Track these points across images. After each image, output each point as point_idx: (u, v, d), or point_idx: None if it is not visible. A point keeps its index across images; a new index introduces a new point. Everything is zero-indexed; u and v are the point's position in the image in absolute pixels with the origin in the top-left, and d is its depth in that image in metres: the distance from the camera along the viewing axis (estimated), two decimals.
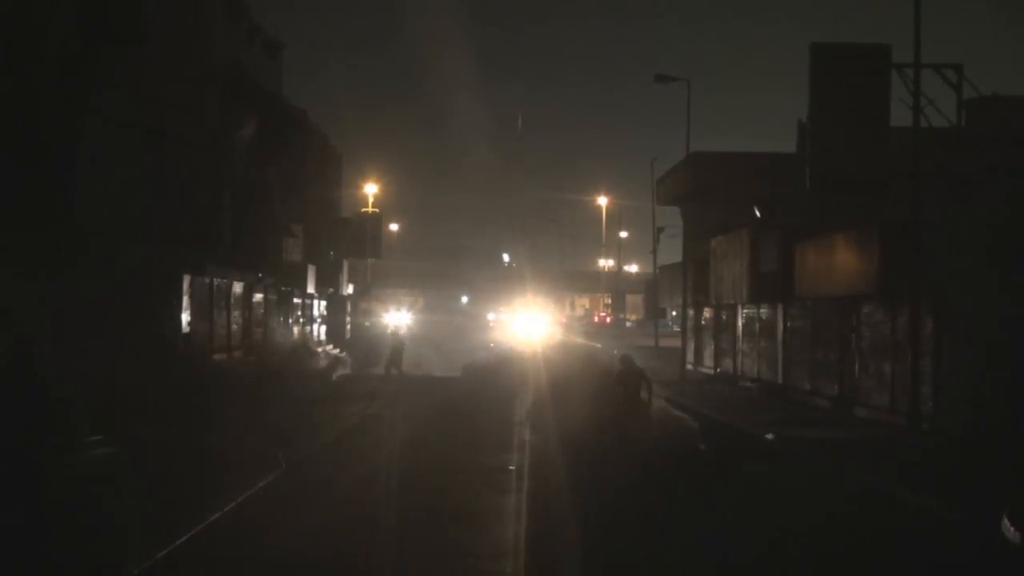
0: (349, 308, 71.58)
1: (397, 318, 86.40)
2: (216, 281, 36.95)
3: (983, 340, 25.02)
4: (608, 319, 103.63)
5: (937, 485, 18.83)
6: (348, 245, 70.25)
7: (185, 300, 33.48)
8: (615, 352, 58.08)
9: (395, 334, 50.28)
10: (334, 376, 40.65)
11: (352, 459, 20.59)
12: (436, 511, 15.74)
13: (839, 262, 30.92)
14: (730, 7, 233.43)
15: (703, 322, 50.04)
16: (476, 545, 13.97)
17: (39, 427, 20.91)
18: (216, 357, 36.75)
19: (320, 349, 51.46)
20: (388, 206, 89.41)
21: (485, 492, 17.49)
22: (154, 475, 18.25)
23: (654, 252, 65.75)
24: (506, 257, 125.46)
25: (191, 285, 33.89)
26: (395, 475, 18.39)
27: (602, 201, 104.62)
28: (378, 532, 14.45)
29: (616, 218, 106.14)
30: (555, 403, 26.19)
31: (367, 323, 68.76)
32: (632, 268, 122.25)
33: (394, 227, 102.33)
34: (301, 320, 56.05)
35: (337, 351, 52.92)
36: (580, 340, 59.45)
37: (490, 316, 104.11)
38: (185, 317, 33.52)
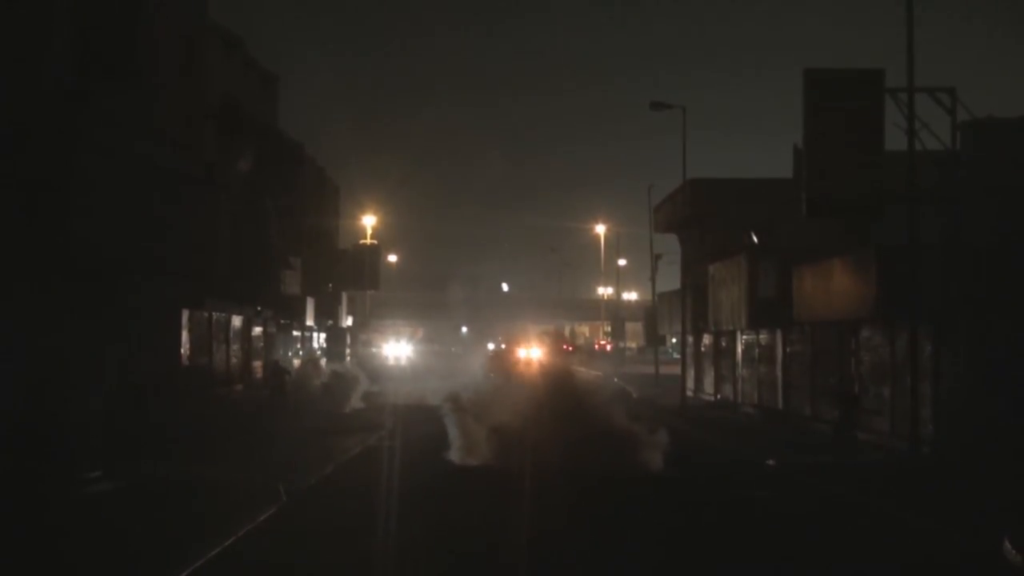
0: (349, 340, 71.53)
1: (397, 349, 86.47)
2: (215, 315, 36.98)
3: (982, 363, 25.02)
4: (608, 347, 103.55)
5: (938, 508, 18.80)
6: (347, 277, 70.32)
7: (184, 334, 33.50)
8: (615, 380, 58.20)
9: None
10: (347, 408, 40.39)
11: (352, 492, 20.52)
12: (434, 549, 15.70)
13: (837, 286, 30.93)
14: (726, 34, 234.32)
15: (703, 349, 50.04)
16: None
17: (43, 462, 20.92)
18: (216, 390, 36.74)
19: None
20: (386, 237, 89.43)
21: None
22: (154, 509, 18.20)
23: (652, 279, 65.71)
24: (505, 286, 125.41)
25: (190, 319, 33.91)
26: (395, 509, 18.35)
27: (600, 229, 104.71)
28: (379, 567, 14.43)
29: (614, 246, 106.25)
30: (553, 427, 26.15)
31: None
32: (631, 295, 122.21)
33: (393, 258, 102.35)
34: (301, 353, 56.08)
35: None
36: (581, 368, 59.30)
37: (490, 346, 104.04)
38: (184, 351, 33.52)
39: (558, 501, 19.00)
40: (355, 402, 42.04)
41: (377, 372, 56.96)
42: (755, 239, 41.30)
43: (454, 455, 24.83)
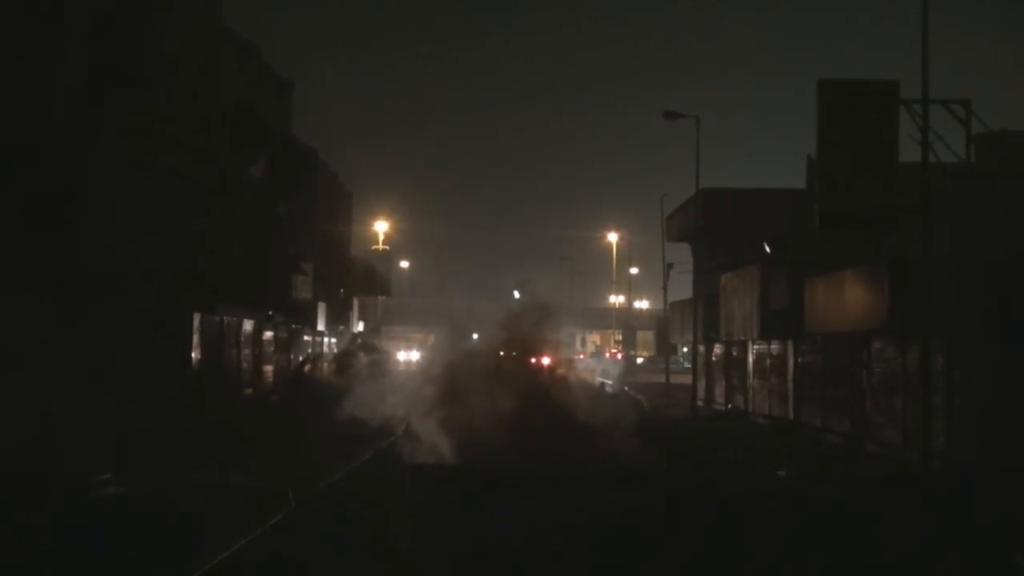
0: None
1: (408, 356, 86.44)
2: (226, 319, 37.03)
3: (994, 376, 24.94)
4: (619, 355, 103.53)
5: (949, 520, 18.73)
6: (358, 283, 70.35)
7: (195, 339, 33.56)
8: (625, 388, 58.09)
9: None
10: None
11: (360, 498, 20.51)
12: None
13: (849, 298, 30.87)
14: (740, 46, 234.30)
15: (714, 358, 49.92)
16: None
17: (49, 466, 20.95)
18: (227, 394, 36.78)
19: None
20: (399, 244, 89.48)
21: None
22: (160, 514, 18.19)
23: (664, 288, 65.70)
24: (516, 294, 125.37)
25: (201, 324, 33.97)
26: (403, 518, 18.35)
27: (612, 237, 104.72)
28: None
29: (626, 255, 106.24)
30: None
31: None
32: (643, 304, 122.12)
33: (405, 264, 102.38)
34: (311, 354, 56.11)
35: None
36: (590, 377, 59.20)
37: (500, 353, 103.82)
38: (196, 355, 33.57)
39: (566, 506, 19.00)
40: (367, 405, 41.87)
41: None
42: (768, 249, 41.24)
43: (461, 460, 24.89)
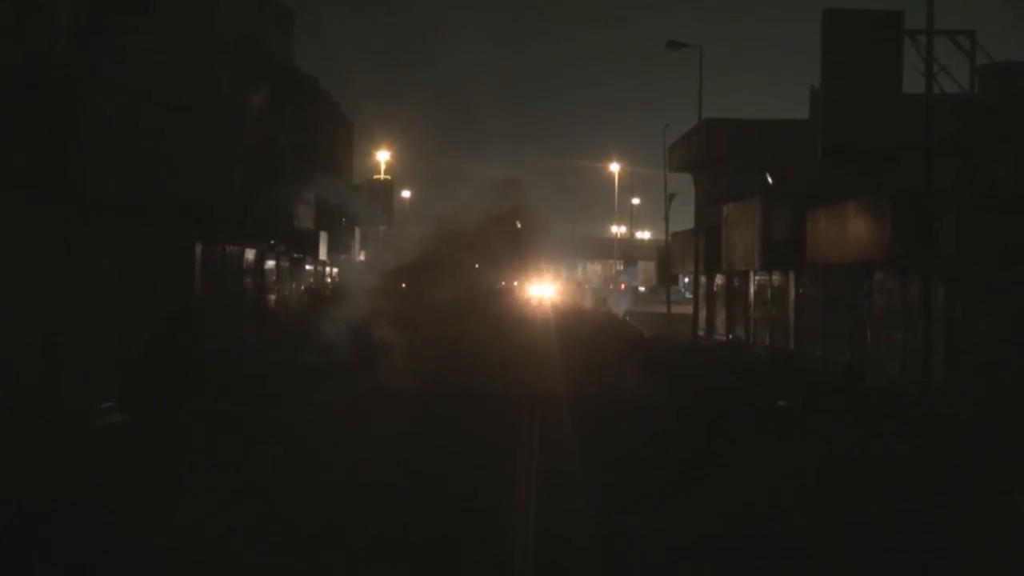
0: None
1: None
2: (228, 249, 37.05)
3: (995, 310, 24.98)
4: (623, 286, 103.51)
5: (949, 455, 18.81)
6: (360, 212, 70.24)
7: (197, 268, 33.61)
8: (627, 318, 58.28)
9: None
10: None
11: (358, 424, 20.65)
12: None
13: (851, 230, 30.84)
14: None
15: (715, 289, 50.00)
16: None
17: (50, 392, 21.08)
18: (228, 324, 36.84)
19: None
20: (401, 173, 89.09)
21: None
22: (163, 442, 18.29)
23: (666, 219, 65.71)
24: (518, 224, 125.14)
25: (203, 253, 34.00)
26: (408, 445, 18.46)
27: (614, 168, 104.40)
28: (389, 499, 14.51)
29: (628, 185, 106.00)
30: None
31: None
32: (644, 235, 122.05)
33: (406, 194, 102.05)
34: (314, 287, 56.24)
35: None
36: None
37: (502, 283, 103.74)
38: (197, 285, 33.63)
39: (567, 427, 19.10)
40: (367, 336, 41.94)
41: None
42: (770, 180, 41.17)
43: (456, 387, 25.04)
